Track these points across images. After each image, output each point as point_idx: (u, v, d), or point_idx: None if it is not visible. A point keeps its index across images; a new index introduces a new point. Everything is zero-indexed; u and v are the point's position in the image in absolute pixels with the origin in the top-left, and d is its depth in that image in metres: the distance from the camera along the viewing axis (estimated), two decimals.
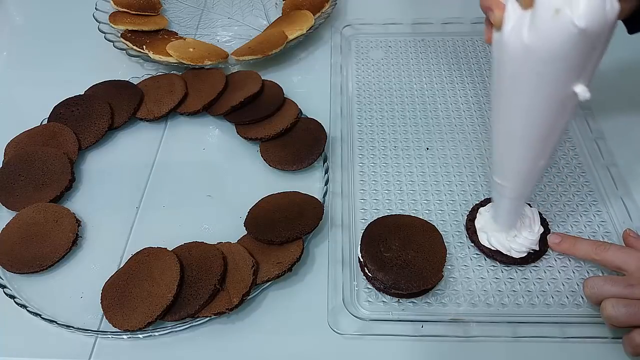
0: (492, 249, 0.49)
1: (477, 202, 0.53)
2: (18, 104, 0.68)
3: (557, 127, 0.38)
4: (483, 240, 0.49)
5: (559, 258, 0.49)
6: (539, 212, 0.50)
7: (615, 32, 0.34)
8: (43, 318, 0.46)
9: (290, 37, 0.70)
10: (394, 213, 0.53)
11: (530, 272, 0.48)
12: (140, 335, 0.45)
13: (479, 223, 0.50)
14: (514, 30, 0.35)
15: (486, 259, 0.49)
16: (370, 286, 0.48)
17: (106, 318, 0.45)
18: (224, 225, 0.53)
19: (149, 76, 0.68)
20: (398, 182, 0.56)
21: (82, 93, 0.65)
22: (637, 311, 0.40)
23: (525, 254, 0.48)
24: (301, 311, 0.47)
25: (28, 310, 0.47)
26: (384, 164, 0.58)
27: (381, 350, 0.44)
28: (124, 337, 0.45)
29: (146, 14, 0.75)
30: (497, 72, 0.38)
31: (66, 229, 0.52)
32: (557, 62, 0.34)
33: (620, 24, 0.46)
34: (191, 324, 0.45)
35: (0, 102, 0.69)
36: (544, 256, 0.49)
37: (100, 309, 0.46)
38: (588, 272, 0.48)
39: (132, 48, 0.70)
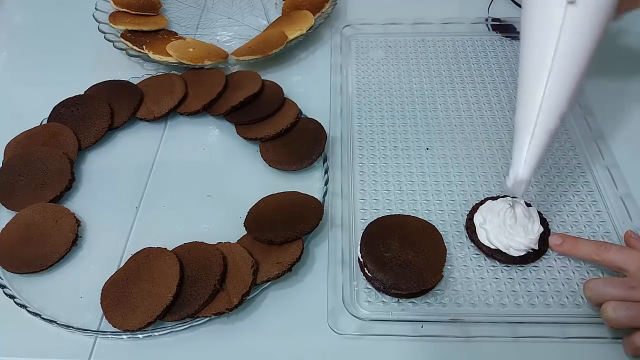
0: (492, 247, 0.49)
1: (477, 202, 0.53)
2: (18, 104, 0.68)
3: None
4: (482, 238, 0.49)
5: (558, 258, 0.49)
6: (539, 212, 0.50)
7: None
8: (43, 318, 0.46)
9: (290, 37, 0.70)
10: (394, 213, 0.53)
11: (530, 272, 0.48)
12: (140, 335, 0.45)
13: (477, 220, 0.50)
14: None
15: (486, 259, 0.49)
16: (370, 286, 0.48)
17: (106, 318, 0.45)
18: (224, 225, 0.53)
19: (149, 76, 0.68)
20: (398, 182, 0.56)
21: (82, 93, 0.65)
22: (638, 314, 0.40)
23: (525, 252, 0.48)
24: (301, 311, 0.47)
25: (28, 310, 0.47)
26: (384, 164, 0.58)
27: (381, 350, 0.44)
28: (124, 337, 0.45)
29: (146, 14, 0.75)
30: None
31: (66, 229, 0.52)
32: None
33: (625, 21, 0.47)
34: (191, 324, 0.45)
35: (0, 102, 0.69)
36: (543, 256, 0.49)
37: (100, 309, 0.46)
38: (588, 273, 0.48)
39: (132, 48, 0.70)
